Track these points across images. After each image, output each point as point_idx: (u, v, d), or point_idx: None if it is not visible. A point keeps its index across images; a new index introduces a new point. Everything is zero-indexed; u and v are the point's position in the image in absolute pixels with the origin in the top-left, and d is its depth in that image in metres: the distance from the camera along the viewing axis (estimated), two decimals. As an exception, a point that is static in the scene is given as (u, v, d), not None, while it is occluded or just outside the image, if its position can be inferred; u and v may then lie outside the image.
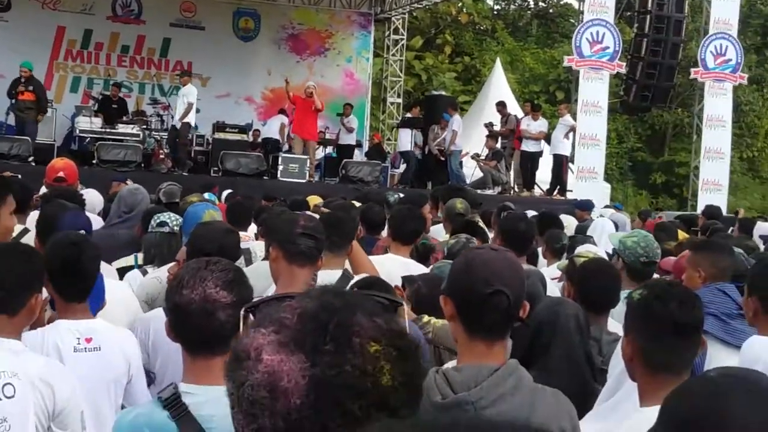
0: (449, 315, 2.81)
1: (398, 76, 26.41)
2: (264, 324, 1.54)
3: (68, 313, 3.57)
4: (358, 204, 8.56)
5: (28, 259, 3.31)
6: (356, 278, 4.69)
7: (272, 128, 20.97)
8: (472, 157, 20.42)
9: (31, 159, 16.82)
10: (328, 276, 4.55)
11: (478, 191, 18.58)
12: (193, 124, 18.73)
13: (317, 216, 5.03)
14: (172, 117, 19.64)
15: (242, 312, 1.83)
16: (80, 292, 3.58)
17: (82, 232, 4.19)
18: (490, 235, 7.14)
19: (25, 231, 5.18)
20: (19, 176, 10.38)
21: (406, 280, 4.62)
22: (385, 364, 1.49)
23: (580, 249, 6.03)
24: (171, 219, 5.36)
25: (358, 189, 16.87)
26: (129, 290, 4.67)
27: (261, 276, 4.36)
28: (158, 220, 5.35)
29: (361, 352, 1.49)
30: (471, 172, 20.54)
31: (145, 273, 5.19)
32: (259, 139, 21.35)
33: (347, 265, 5.01)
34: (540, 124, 19.73)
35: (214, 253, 3.35)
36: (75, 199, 5.43)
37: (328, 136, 22.51)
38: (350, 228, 5.20)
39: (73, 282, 3.55)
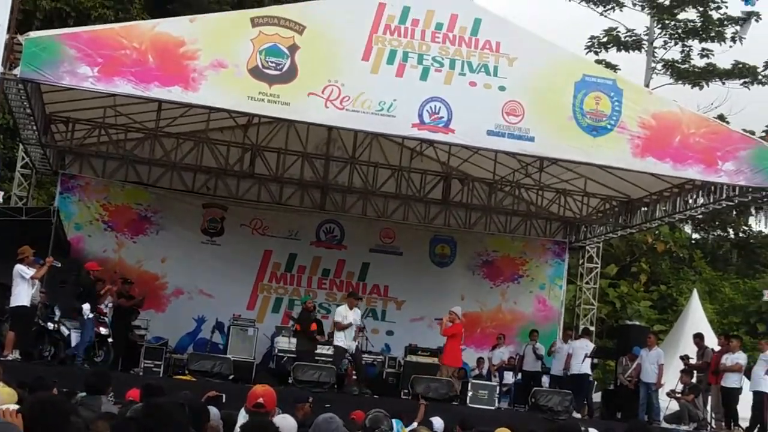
0: None
1: (591, 303, 26.32)
2: None
3: None
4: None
5: None
6: None
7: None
8: (668, 394, 19.89)
9: (231, 377, 17.56)
10: None
11: (674, 426, 18.05)
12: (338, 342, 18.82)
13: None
14: (367, 339, 20.28)
15: None
16: None
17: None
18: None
19: None
20: (224, 396, 10.97)
21: None
22: None
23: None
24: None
25: (548, 418, 16.69)
26: None
27: None
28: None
29: None
30: (665, 405, 19.97)
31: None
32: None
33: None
34: (737, 356, 19.11)
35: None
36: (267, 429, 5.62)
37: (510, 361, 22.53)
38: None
39: None
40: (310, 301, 21.10)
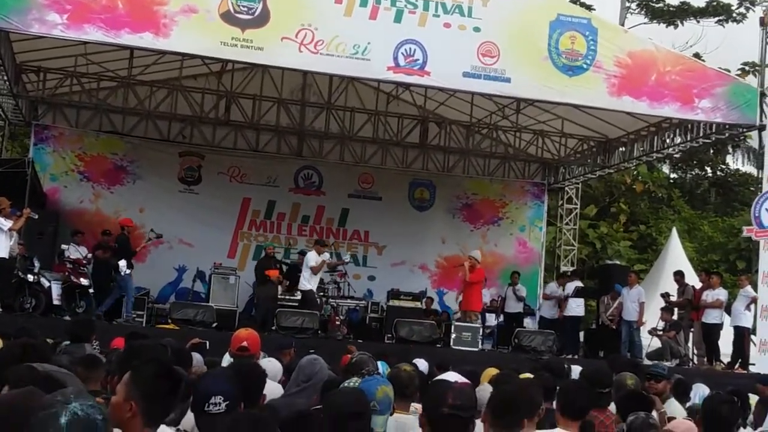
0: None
1: (572, 244, 26.38)
2: None
3: None
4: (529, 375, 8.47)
5: None
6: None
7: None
8: (649, 332, 20.04)
9: (214, 325, 17.56)
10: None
11: (656, 362, 18.17)
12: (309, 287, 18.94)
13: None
14: (349, 285, 20.26)
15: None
16: None
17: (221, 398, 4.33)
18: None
19: None
20: (207, 343, 10.91)
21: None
22: None
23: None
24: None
25: (531, 359, 16.75)
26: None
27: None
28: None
29: None
30: (647, 342, 20.13)
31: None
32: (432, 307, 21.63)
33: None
34: (718, 293, 19.26)
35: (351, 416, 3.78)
36: (254, 370, 5.61)
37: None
38: (525, 408, 5.08)
39: None
40: (270, 247, 21.68)
